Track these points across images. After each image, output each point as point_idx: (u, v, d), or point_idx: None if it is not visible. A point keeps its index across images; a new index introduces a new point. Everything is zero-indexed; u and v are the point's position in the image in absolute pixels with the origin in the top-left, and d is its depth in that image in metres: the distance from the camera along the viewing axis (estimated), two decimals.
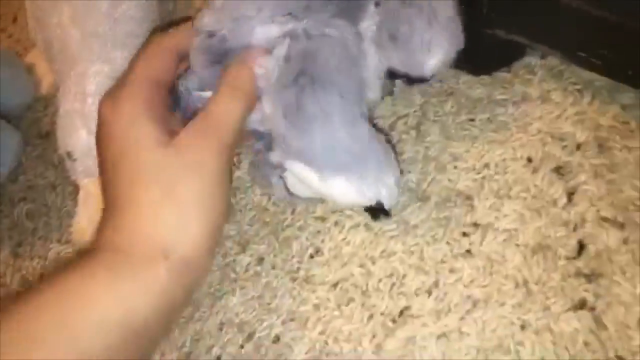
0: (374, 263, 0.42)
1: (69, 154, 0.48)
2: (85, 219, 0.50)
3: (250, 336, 0.43)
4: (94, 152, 0.47)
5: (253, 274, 0.45)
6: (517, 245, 0.40)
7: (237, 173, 0.49)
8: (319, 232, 0.45)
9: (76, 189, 0.51)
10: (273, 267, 0.45)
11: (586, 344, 0.37)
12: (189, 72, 0.39)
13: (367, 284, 0.42)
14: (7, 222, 0.55)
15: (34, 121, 0.59)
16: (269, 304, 0.44)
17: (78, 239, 0.49)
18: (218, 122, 0.35)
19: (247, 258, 0.46)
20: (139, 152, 0.33)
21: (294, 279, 0.44)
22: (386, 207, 0.39)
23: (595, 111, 0.43)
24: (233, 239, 0.47)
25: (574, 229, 0.40)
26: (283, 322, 0.43)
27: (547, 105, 0.44)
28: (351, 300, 0.42)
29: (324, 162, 0.37)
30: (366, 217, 0.43)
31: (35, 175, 0.56)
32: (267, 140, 0.40)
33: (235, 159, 0.49)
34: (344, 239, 0.44)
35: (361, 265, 0.43)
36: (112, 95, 0.36)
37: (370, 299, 0.41)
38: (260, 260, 0.45)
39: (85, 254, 0.33)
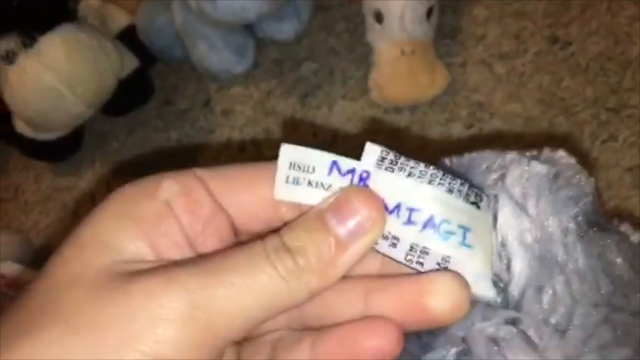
0: None
1: (377, 15, 0.55)
2: (379, 75, 0.57)
3: None
4: (410, 14, 0.54)
5: None
6: None
7: None
8: None
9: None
10: None
11: None
12: None
13: None
14: (293, 76, 0.63)
15: None
16: None
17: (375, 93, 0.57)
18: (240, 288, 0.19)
19: None
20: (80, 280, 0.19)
21: None
22: None
23: None
24: None
25: None
26: None
27: None
28: None
29: None
30: None
31: (318, 40, 0.64)
32: None
33: None
34: None
35: None
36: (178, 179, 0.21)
37: None
38: None
39: None
